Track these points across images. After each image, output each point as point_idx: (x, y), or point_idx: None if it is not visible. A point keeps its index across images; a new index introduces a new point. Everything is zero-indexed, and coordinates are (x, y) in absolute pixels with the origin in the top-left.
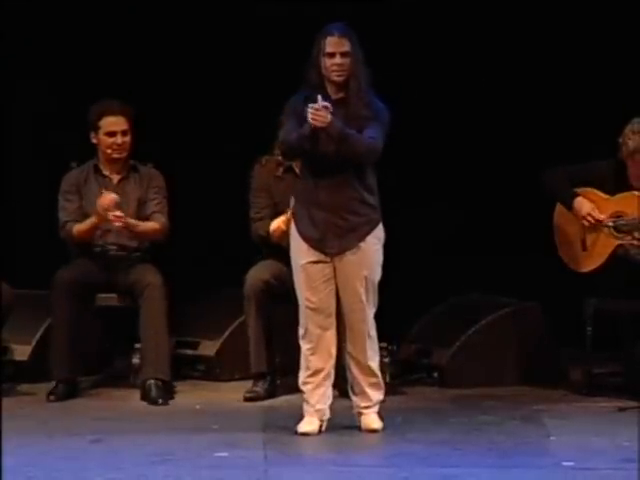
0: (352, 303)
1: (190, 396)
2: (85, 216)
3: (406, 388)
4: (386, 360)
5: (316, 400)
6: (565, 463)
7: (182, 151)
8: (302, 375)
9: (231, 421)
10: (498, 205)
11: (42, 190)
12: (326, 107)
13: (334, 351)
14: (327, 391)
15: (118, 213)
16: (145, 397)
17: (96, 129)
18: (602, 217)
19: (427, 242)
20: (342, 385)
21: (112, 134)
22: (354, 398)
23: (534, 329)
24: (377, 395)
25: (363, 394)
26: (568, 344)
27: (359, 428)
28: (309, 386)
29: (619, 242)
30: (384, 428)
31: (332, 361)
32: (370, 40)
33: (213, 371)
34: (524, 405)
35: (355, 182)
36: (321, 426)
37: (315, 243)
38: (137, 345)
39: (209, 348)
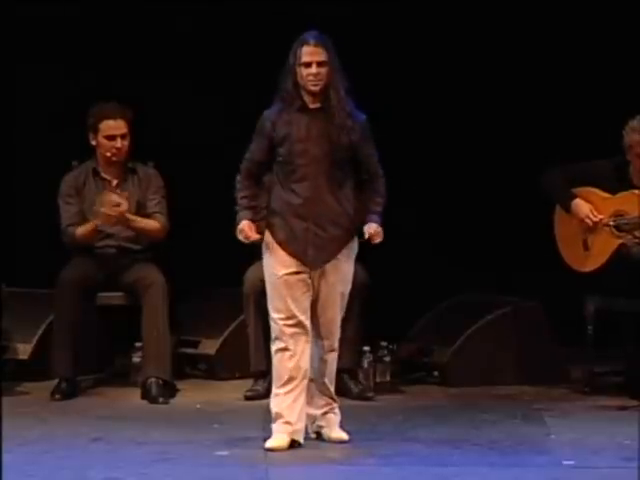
0: (327, 320)
1: (190, 395)
2: (86, 219)
3: (406, 387)
4: (387, 359)
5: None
6: (565, 462)
7: (182, 151)
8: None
9: (232, 420)
10: (499, 204)
11: (42, 190)
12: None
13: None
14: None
15: (123, 205)
16: (146, 396)
17: (95, 132)
18: (600, 218)
19: (427, 241)
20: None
21: (112, 138)
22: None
23: (535, 328)
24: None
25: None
26: (569, 343)
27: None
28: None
29: (621, 241)
30: (384, 427)
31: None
32: (370, 38)
33: (213, 370)
34: (524, 404)
35: (336, 191)
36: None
37: (296, 253)
38: (137, 344)
39: (209, 347)
